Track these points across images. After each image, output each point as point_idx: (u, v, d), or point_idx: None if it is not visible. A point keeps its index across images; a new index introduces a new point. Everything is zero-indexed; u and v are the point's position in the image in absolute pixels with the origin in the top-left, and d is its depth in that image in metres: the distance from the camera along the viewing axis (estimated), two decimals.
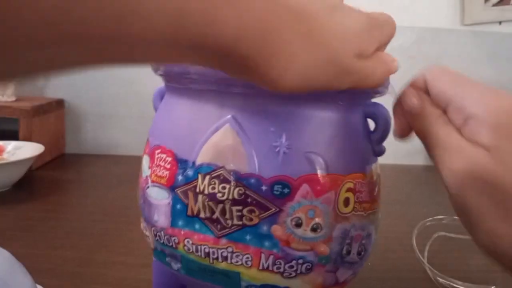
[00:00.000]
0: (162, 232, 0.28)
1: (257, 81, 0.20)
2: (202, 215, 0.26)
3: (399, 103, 0.27)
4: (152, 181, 0.29)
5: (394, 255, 0.47)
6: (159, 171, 0.28)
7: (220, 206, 0.26)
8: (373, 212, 0.29)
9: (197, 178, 0.26)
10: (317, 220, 0.26)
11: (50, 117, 0.84)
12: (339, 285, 0.29)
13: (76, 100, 0.90)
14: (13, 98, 0.81)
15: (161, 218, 0.28)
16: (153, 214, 0.29)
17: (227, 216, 0.26)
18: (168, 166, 0.28)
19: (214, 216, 0.26)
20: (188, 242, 0.27)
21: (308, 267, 0.27)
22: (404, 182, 0.78)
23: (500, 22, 0.84)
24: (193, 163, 0.26)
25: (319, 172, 0.26)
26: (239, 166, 0.26)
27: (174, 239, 0.28)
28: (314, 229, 0.26)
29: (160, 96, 0.33)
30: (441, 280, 0.43)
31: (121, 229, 0.51)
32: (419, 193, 0.73)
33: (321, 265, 0.27)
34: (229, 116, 0.26)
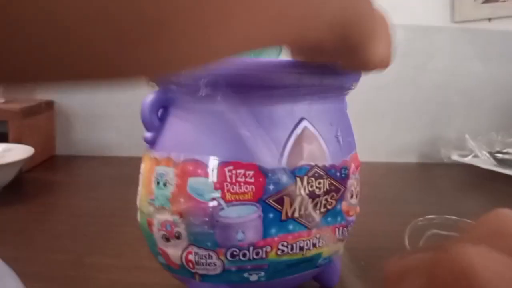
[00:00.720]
0: (251, 248, 0.28)
1: (357, 60, 0.24)
2: (296, 215, 0.28)
3: None
4: (229, 201, 0.27)
5: (387, 253, 0.47)
6: (238, 188, 0.27)
7: (316, 200, 0.29)
8: None
9: (293, 181, 0.28)
10: (358, 188, 0.33)
11: (39, 119, 0.82)
12: None
13: (66, 101, 0.88)
14: (2, 100, 0.79)
15: (249, 234, 0.28)
16: (234, 234, 0.28)
17: (318, 207, 0.29)
18: (252, 180, 0.27)
19: (307, 212, 0.29)
20: (282, 245, 0.28)
21: (351, 227, 0.33)
22: (396, 180, 0.78)
23: (489, 19, 0.85)
24: (283, 169, 0.27)
25: (354, 152, 0.33)
26: (324, 160, 0.29)
27: (266, 249, 0.28)
28: (356, 196, 0.33)
29: (155, 109, 0.30)
30: None
31: (113, 231, 0.50)
32: (411, 191, 0.73)
33: (354, 222, 0.34)
34: (302, 117, 0.29)
